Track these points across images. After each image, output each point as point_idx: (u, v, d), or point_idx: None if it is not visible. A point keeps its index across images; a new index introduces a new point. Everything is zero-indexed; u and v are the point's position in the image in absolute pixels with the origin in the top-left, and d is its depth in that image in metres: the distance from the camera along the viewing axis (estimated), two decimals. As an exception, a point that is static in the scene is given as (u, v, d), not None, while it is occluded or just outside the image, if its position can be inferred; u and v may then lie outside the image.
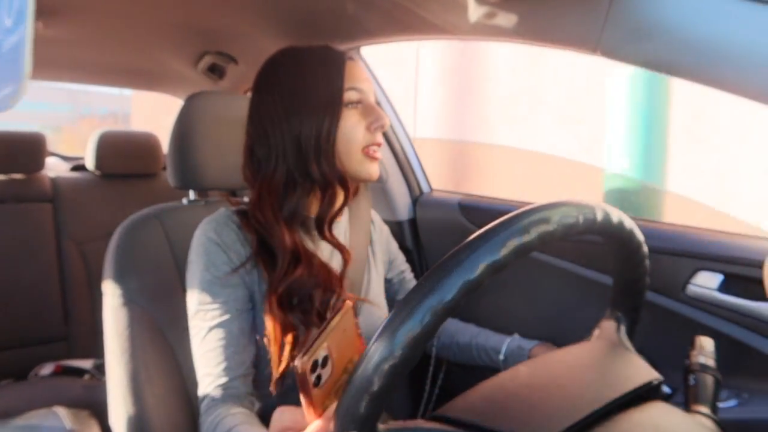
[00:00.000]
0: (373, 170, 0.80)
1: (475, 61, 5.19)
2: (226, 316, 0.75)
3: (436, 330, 0.43)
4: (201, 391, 0.75)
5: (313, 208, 0.82)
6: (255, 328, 0.78)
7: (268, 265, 0.77)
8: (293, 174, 0.78)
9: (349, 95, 0.78)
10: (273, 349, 0.74)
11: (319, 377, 0.51)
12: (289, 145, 0.77)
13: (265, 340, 0.75)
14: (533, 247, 0.45)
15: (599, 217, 0.50)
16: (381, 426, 0.46)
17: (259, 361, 0.78)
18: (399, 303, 0.44)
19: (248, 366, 0.77)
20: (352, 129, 0.78)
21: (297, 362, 0.49)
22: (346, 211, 0.91)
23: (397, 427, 0.47)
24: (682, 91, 3.80)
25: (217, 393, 0.73)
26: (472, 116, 5.16)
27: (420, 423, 0.50)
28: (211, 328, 0.75)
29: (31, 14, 0.44)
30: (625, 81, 3.49)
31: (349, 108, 0.78)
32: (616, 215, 0.53)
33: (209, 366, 0.75)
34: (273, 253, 0.77)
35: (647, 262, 0.60)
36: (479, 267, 0.43)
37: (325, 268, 0.79)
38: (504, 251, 0.43)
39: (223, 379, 0.74)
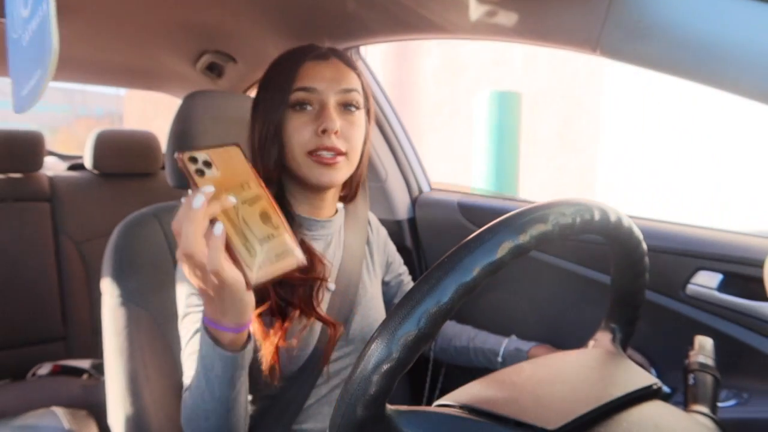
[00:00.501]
0: (323, 177, 0.76)
1: (408, 72, 5.76)
2: None
3: (433, 332, 0.43)
4: (185, 393, 0.74)
5: (302, 208, 0.82)
6: None
7: None
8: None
9: (296, 96, 0.76)
10: (261, 344, 0.73)
11: (201, 171, 0.55)
12: (252, 143, 0.79)
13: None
14: (529, 248, 0.45)
15: (596, 216, 0.50)
16: (389, 406, 0.46)
17: (252, 362, 0.77)
18: (396, 306, 0.44)
19: None
20: (294, 131, 0.76)
21: (176, 155, 0.55)
22: (342, 210, 0.90)
23: (405, 410, 0.47)
24: (555, 99, 4.78)
25: None
26: (406, 122, 5.81)
27: (427, 408, 0.49)
28: (197, 331, 0.74)
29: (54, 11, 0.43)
30: (484, 101, 3.97)
31: (297, 110, 0.76)
32: (614, 215, 0.53)
33: (193, 368, 0.73)
34: None
35: (647, 275, 0.60)
36: (475, 269, 0.43)
37: (305, 250, 0.77)
38: (500, 253, 0.44)
39: None
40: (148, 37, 1.33)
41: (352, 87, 0.79)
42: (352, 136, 0.78)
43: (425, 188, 1.39)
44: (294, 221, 0.81)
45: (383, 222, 1.05)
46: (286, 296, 0.75)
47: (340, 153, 0.76)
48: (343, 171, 0.78)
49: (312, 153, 0.75)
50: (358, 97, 0.79)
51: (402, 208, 1.35)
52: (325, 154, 0.75)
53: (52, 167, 2.12)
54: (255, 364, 0.75)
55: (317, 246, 0.84)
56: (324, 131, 0.74)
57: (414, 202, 1.36)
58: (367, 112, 0.84)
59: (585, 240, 0.99)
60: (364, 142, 0.83)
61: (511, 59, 5.05)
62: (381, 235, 1.01)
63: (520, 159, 4.07)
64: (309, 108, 0.77)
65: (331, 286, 0.83)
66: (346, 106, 0.78)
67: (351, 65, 0.81)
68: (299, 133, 0.76)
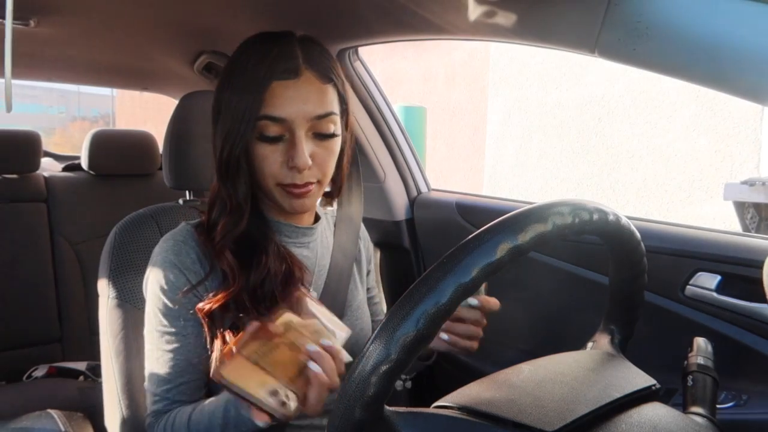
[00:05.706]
0: (295, 205, 0.73)
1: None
2: (181, 341, 0.72)
3: (432, 333, 0.43)
4: (149, 407, 0.74)
5: (280, 215, 0.78)
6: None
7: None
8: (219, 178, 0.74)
9: (264, 125, 0.69)
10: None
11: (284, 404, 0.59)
12: (214, 160, 0.74)
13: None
14: (528, 249, 0.45)
15: (595, 216, 0.50)
16: (388, 408, 0.45)
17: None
18: (394, 307, 0.44)
19: (197, 383, 0.75)
20: (263, 160, 0.70)
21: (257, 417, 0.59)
22: (328, 215, 0.88)
23: (403, 411, 0.47)
24: (467, 110, 5.58)
25: (160, 407, 0.73)
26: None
27: (426, 409, 0.49)
28: (166, 351, 0.72)
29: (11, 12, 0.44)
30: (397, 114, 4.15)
31: (264, 140, 0.70)
32: (613, 216, 0.53)
33: (158, 384, 0.73)
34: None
35: (646, 276, 0.60)
36: (474, 270, 0.43)
37: (283, 259, 0.74)
38: (499, 253, 0.44)
39: (168, 399, 0.73)
40: (145, 38, 1.33)
41: (326, 111, 0.71)
42: (326, 162, 0.73)
43: (423, 189, 1.39)
44: (270, 228, 0.77)
45: (381, 223, 1.05)
46: (268, 312, 0.70)
47: (312, 183, 0.73)
48: (315, 196, 0.75)
49: (281, 185, 0.72)
50: (334, 122, 0.73)
51: (400, 208, 1.35)
52: (298, 184, 0.72)
53: (48, 168, 2.11)
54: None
55: (299, 252, 0.79)
56: (294, 167, 0.69)
57: (412, 202, 1.36)
58: (345, 114, 0.77)
59: (584, 241, 0.99)
60: (345, 143, 0.77)
61: (435, 76, 5.80)
62: (369, 250, 0.96)
63: (442, 162, 5.44)
64: (278, 140, 0.70)
65: (313, 294, 0.79)
66: (321, 135, 0.72)
67: (328, 75, 0.72)
68: (268, 164, 0.70)
